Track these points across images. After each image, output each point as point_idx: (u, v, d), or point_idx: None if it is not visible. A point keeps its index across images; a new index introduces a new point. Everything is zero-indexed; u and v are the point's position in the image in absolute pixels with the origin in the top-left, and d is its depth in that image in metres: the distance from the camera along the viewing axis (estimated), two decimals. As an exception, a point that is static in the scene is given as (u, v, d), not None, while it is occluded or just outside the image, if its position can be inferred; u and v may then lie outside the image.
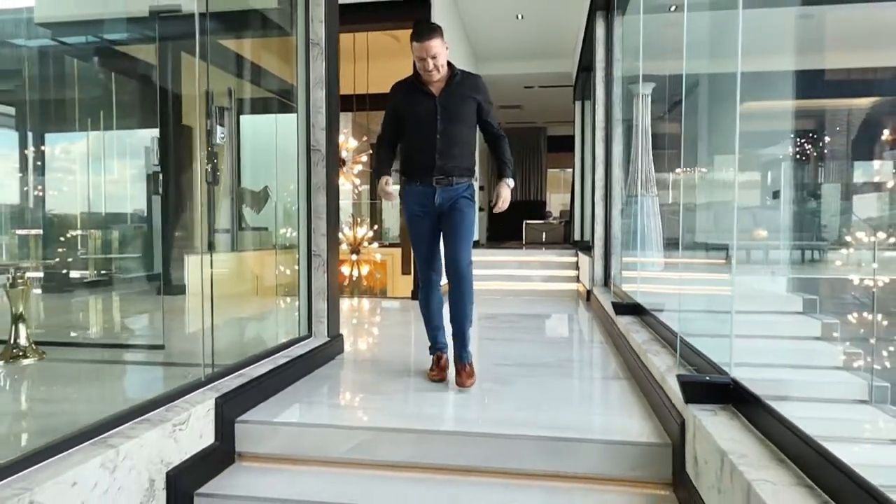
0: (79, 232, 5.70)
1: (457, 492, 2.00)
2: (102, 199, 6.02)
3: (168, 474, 1.86)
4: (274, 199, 6.62)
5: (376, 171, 2.87)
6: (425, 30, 2.61)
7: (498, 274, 7.66)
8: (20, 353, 3.23)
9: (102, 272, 5.91)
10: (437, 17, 6.26)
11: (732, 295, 2.04)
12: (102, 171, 6.03)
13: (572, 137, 9.91)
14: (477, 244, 9.86)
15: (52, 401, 2.68)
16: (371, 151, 9.47)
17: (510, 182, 2.79)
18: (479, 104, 2.74)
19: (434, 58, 2.59)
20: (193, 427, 2.01)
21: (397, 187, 3.18)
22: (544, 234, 11.69)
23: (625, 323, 3.45)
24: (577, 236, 9.28)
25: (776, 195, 5.97)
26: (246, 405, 2.35)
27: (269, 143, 6.90)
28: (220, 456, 2.14)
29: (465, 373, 2.74)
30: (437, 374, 2.87)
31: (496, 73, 9.98)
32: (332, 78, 3.38)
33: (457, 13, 7.65)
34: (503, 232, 13.33)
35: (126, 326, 4.75)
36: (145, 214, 6.22)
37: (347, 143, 7.61)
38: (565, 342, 4.33)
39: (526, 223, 12.14)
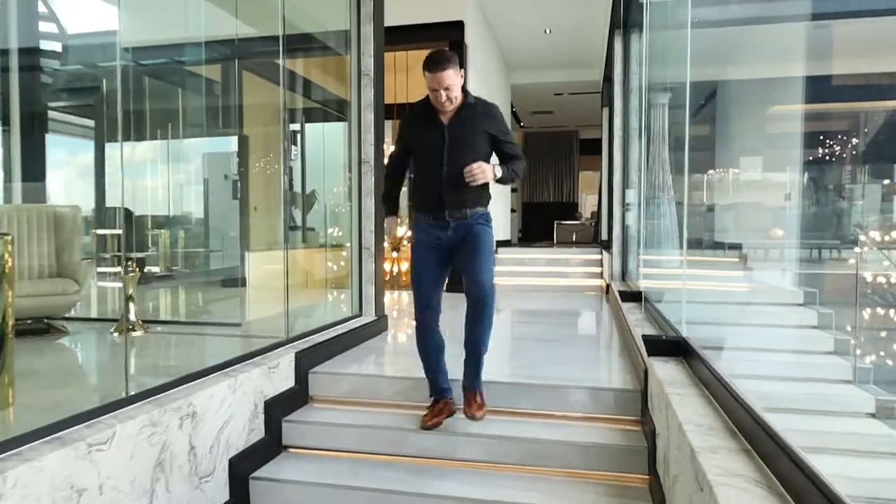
0: (152, 231, 6.54)
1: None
2: (168, 202, 6.88)
3: (266, 402, 2.58)
4: (322, 201, 7.40)
5: (383, 201, 2.84)
6: (438, 59, 2.43)
7: (527, 270, 8.27)
8: (131, 327, 4.05)
9: (173, 267, 6.74)
10: (470, 35, 6.93)
11: (682, 275, 2.65)
12: (168, 175, 6.89)
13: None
14: (508, 243, 10.47)
15: (179, 356, 3.53)
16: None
17: (498, 171, 2.55)
18: (492, 135, 2.56)
19: (447, 89, 2.42)
20: (281, 371, 2.73)
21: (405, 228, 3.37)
22: (574, 234, 12.21)
23: (627, 307, 4.05)
24: (604, 236, 9.80)
25: (788, 196, 6.42)
26: (316, 361, 3.06)
27: (317, 150, 7.71)
28: (298, 396, 2.86)
29: (475, 403, 2.57)
30: (429, 418, 2.61)
31: (527, 82, 10.58)
32: (379, 101, 4.09)
33: (488, 30, 8.30)
34: (535, 232, 13.91)
35: (204, 310, 5.58)
36: (202, 215, 7.07)
37: (389, 149, 8.35)
38: (577, 325, 4.94)
39: (557, 223, 12.68)
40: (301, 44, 5.65)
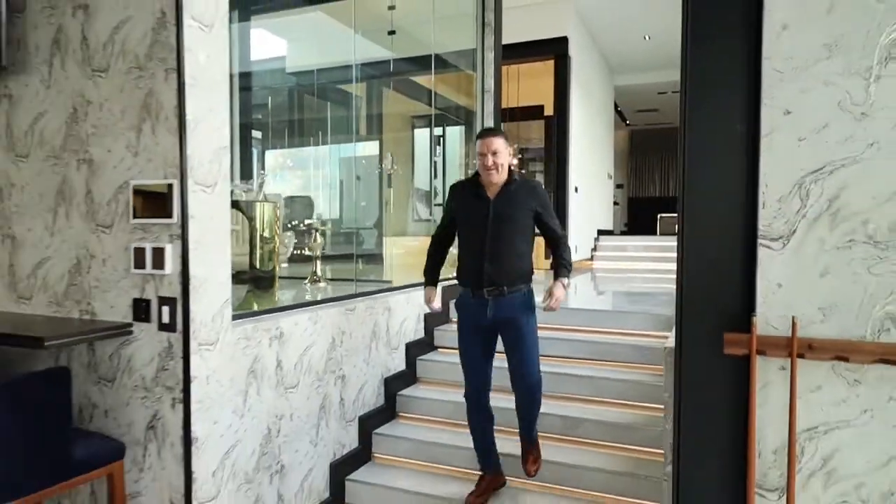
0: (309, 221, 8.19)
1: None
2: (320, 198, 8.49)
3: (385, 378, 3.78)
4: (442, 196, 8.77)
5: (424, 273, 2.94)
6: (489, 130, 2.82)
7: (625, 255, 9.16)
8: (318, 279, 5.59)
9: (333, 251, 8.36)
10: (574, 47, 7.98)
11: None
12: (320, 176, 8.51)
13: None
14: (610, 233, 11.32)
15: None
16: (519, 156, 11.37)
17: (566, 282, 2.72)
18: (536, 212, 2.69)
19: (494, 154, 2.59)
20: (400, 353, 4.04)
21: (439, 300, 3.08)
22: (677, 225, 12.73)
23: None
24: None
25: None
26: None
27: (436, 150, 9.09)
28: (408, 376, 4.01)
29: (531, 457, 2.78)
30: (474, 498, 2.78)
31: (631, 83, 11.35)
32: (497, 112, 5.32)
33: (591, 40, 9.27)
34: (640, 224, 14.49)
35: (362, 274, 7.12)
36: (349, 209, 8.64)
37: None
38: (652, 299, 5.88)
39: (660, 216, 13.26)
40: (434, 63, 7.02)
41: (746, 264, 1.47)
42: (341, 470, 3.14)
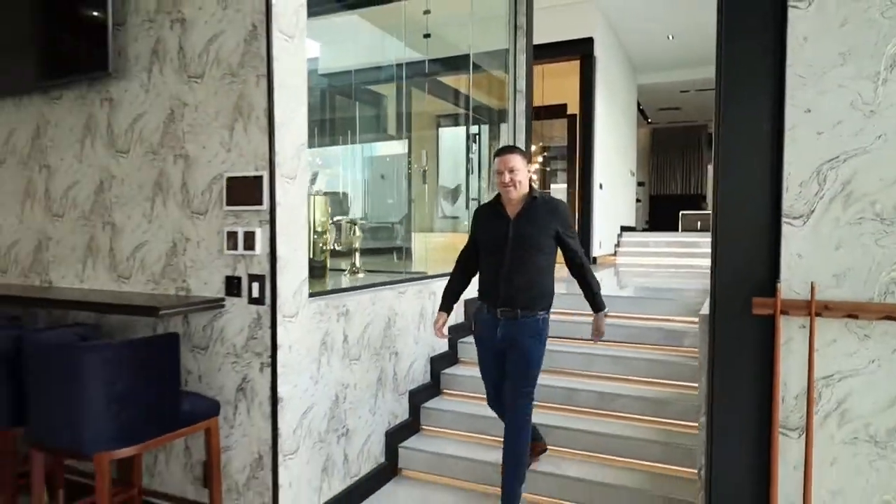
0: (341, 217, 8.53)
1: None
2: (349, 196, 8.82)
3: (431, 357, 4.15)
4: (466, 195, 9.05)
5: (444, 294, 3.00)
6: (507, 148, 2.76)
7: (650, 251, 9.37)
8: (357, 271, 5.92)
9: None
10: (598, 47, 8.20)
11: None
12: (350, 174, 8.84)
13: (724, 135, 11.11)
14: (632, 229, 11.51)
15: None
16: (543, 154, 11.59)
17: (603, 313, 2.82)
18: (557, 232, 2.64)
19: (512, 171, 2.59)
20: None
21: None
22: (699, 222, 12.89)
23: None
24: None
25: None
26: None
27: (461, 148, 9.42)
28: (451, 356, 4.37)
29: None
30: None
31: (654, 82, 11.54)
32: (529, 111, 5.59)
33: (616, 39, 9.49)
34: (662, 221, 14.64)
35: (393, 265, 7.43)
36: (378, 206, 8.96)
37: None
38: (672, 291, 6.10)
39: (682, 213, 13.41)
40: (461, 63, 7.31)
41: (772, 239, 1.73)
42: (395, 437, 3.45)
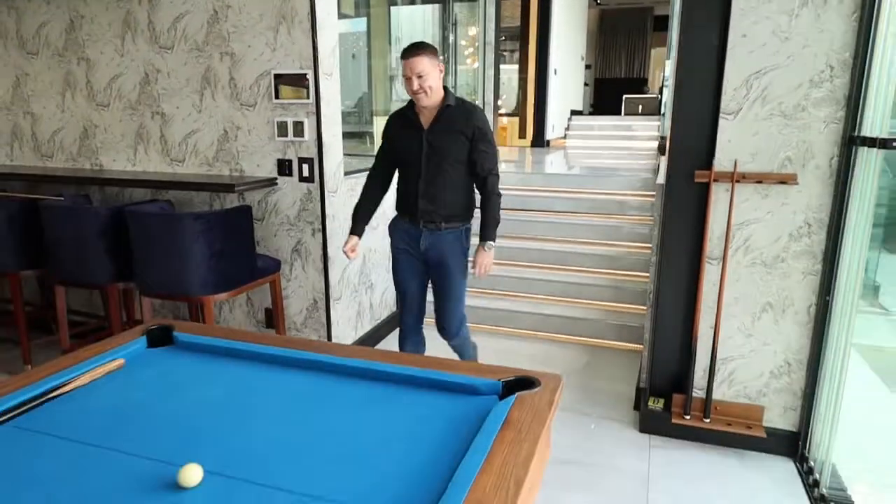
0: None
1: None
2: None
3: None
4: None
5: (353, 212, 2.69)
6: (413, 45, 2.38)
7: (594, 134, 10.13)
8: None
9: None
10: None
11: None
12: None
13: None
14: (580, 113, 12.19)
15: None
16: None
17: (491, 244, 2.50)
18: (469, 140, 2.43)
19: (420, 77, 2.33)
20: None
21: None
22: (640, 106, 13.68)
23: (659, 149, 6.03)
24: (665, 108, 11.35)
25: None
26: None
27: (418, 29, 9.35)
28: None
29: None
30: None
31: (606, -36, 11.67)
32: None
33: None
34: (606, 105, 15.36)
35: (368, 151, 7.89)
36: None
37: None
38: (615, 170, 6.96)
39: (625, 97, 14.12)
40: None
41: (711, 129, 2.46)
42: (403, 291, 4.24)
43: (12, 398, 1.39)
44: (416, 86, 2.36)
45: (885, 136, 2.11)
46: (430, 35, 6.64)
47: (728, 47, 2.38)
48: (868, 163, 2.22)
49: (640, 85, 16.11)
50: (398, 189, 2.65)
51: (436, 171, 2.47)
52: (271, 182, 3.18)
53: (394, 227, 2.70)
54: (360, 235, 2.67)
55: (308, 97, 3.02)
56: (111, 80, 3.42)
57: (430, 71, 2.36)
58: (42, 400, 1.42)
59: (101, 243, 2.91)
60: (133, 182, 3.28)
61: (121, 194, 3.55)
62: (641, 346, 3.33)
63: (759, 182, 2.43)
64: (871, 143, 2.15)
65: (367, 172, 2.72)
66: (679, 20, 2.47)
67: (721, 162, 2.47)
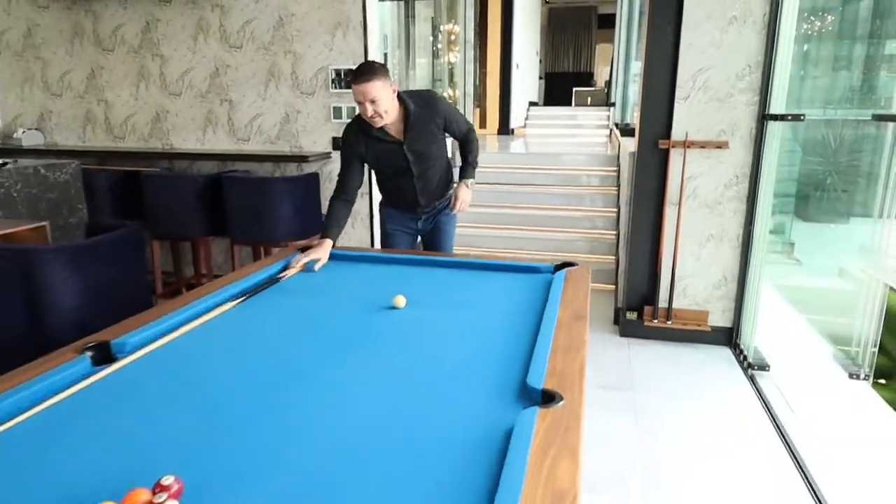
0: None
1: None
2: None
3: None
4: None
5: (324, 227, 2.47)
6: (362, 70, 2.27)
7: (551, 122, 11.20)
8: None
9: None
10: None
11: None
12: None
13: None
14: (536, 104, 13.24)
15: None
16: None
17: (470, 182, 2.65)
18: (442, 126, 2.53)
19: (373, 102, 2.25)
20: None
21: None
22: (589, 97, 14.90)
23: (616, 129, 7.09)
24: (612, 98, 12.55)
25: None
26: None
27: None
28: None
29: None
30: None
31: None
32: None
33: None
34: (557, 96, 16.54)
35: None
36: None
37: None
38: (577, 151, 8.01)
39: (575, 90, 15.33)
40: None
41: (669, 109, 3.45)
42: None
43: (246, 281, 2.19)
44: (370, 112, 2.28)
45: (782, 112, 3.15)
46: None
47: (680, 53, 3.37)
48: (774, 132, 3.26)
49: (587, 78, 17.37)
50: (387, 188, 2.71)
51: (425, 168, 2.56)
52: (327, 155, 3.97)
53: (388, 215, 2.77)
54: (334, 241, 2.48)
55: (360, 87, 3.82)
56: (183, 73, 4.12)
57: (382, 95, 2.27)
58: (267, 285, 2.22)
59: (197, 204, 3.64)
60: (225, 156, 4.01)
61: (190, 167, 4.25)
62: (613, 287, 4.33)
63: (703, 147, 3.43)
64: (774, 118, 3.19)
65: (332, 195, 2.56)
66: (648, 27, 3.43)
67: (676, 133, 3.46)
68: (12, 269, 2.04)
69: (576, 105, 14.83)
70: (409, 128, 2.43)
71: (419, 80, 8.77)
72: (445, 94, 8.64)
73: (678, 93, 3.41)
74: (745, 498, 2.33)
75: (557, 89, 17.24)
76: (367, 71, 2.26)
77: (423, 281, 2.28)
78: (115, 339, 1.59)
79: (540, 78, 15.05)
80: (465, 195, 2.61)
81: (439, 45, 7.52)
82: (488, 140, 9.30)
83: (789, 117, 3.13)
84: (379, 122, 2.34)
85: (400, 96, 2.40)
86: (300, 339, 1.70)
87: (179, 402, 1.32)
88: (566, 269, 2.35)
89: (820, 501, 2.28)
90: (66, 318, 2.24)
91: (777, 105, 3.24)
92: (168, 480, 0.99)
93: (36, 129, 4.41)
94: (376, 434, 1.19)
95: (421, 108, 2.44)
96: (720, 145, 3.40)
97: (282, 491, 1.01)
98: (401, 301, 1.95)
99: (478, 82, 10.77)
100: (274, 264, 2.34)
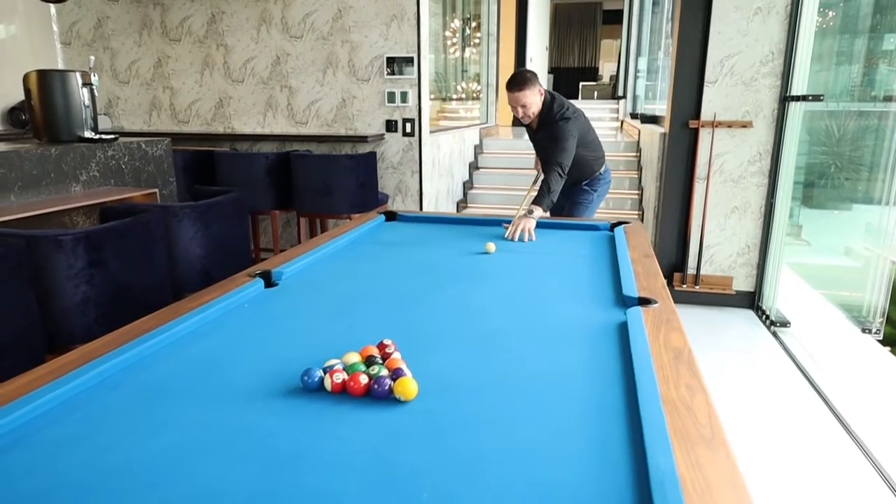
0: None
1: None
2: None
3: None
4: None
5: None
6: (516, 80, 2.83)
7: (564, 115, 11.56)
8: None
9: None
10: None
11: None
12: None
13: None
14: (546, 97, 13.56)
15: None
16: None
17: (536, 212, 2.67)
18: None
19: (524, 107, 2.83)
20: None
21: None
22: (595, 92, 15.27)
23: (629, 119, 7.43)
24: (620, 92, 12.91)
25: None
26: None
27: None
28: None
29: None
30: None
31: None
32: None
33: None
34: (563, 90, 16.85)
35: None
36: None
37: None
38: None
39: (582, 84, 15.70)
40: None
41: (698, 92, 3.80)
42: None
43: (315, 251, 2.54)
44: (520, 113, 2.90)
45: (803, 94, 3.51)
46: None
47: (709, 40, 3.72)
48: (795, 112, 3.62)
49: (592, 73, 17.73)
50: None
51: (547, 156, 2.93)
52: (381, 137, 4.32)
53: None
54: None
55: (413, 74, 4.17)
56: (246, 61, 4.46)
57: (531, 101, 2.84)
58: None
59: (268, 179, 3.98)
60: (303, 137, 4.35)
61: (251, 148, 4.59)
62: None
63: (729, 126, 3.79)
64: (795, 98, 3.55)
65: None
66: (679, 19, 3.78)
67: (705, 114, 3.82)
68: (158, 221, 2.38)
69: (582, 99, 15.19)
70: (539, 127, 2.99)
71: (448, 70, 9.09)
72: (471, 86, 8.98)
73: (707, 76, 3.77)
74: (779, 437, 2.70)
75: (563, 84, 17.60)
76: (521, 81, 2.82)
77: (500, 237, 2.63)
78: (274, 268, 1.94)
79: (549, 72, 15.37)
80: (522, 223, 2.50)
81: (468, 37, 7.82)
82: (502, 131, 9.65)
83: (809, 97, 3.50)
84: (527, 121, 2.96)
85: (551, 94, 2.96)
86: (424, 270, 2.05)
87: (367, 300, 1.69)
88: (622, 226, 2.71)
89: (859, 444, 2.64)
90: (194, 266, 2.59)
91: (798, 88, 3.60)
92: (388, 341, 1.34)
93: (105, 114, 4.74)
94: (524, 322, 1.56)
95: (552, 117, 2.90)
96: (745, 125, 3.76)
97: (467, 347, 1.37)
98: (491, 247, 2.30)
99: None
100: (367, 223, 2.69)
